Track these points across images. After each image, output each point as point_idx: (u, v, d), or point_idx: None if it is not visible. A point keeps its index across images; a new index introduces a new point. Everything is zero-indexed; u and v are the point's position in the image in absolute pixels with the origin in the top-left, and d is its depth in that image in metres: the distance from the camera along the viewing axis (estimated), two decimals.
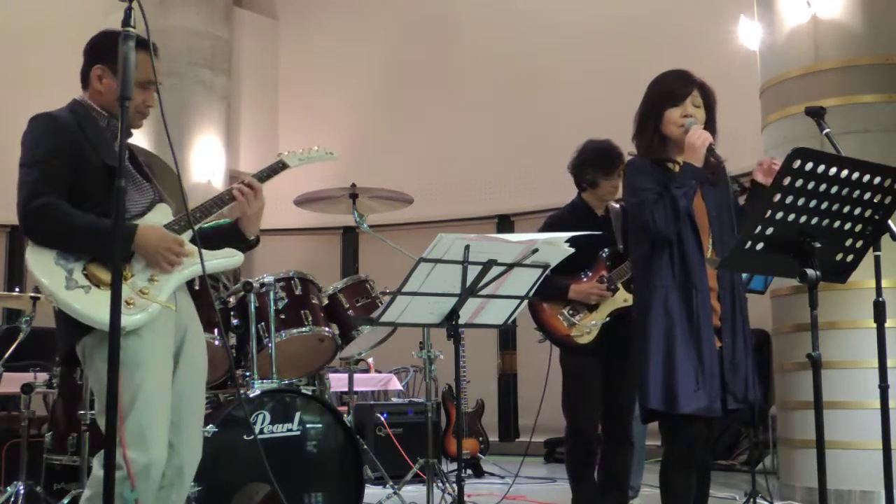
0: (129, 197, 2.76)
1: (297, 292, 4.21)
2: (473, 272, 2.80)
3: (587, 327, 3.99)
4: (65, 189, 2.69)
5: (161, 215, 2.87)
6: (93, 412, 3.83)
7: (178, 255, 2.74)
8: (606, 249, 4.05)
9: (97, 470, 2.65)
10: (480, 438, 7.32)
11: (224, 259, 2.90)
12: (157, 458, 2.61)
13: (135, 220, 2.77)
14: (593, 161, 4.12)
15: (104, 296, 2.59)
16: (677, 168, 3.18)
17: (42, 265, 2.64)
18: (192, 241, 2.83)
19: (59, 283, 2.61)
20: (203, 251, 2.78)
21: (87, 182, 2.72)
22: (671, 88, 3.20)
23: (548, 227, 4.17)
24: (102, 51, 2.82)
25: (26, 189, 2.67)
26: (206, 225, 2.96)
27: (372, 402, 7.20)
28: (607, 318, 3.99)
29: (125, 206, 2.67)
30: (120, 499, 2.53)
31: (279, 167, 3.21)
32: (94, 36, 2.90)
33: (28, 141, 2.76)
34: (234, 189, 2.98)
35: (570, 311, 4.03)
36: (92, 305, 2.60)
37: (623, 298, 3.93)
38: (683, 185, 3.05)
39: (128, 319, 2.58)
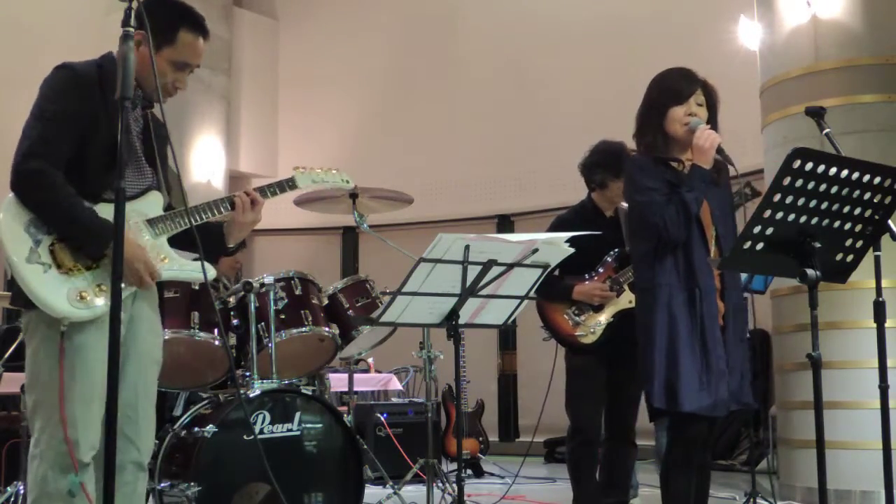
0: (127, 176, 2.62)
1: (297, 292, 4.21)
2: (473, 272, 2.80)
3: (592, 327, 4.01)
4: (65, 153, 2.60)
5: (151, 205, 2.78)
6: None
7: (143, 279, 2.64)
8: (615, 251, 4.05)
9: (38, 469, 2.57)
10: (480, 438, 7.33)
11: (192, 272, 2.78)
12: (88, 453, 2.57)
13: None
14: (603, 162, 4.12)
15: (60, 279, 2.56)
16: (680, 167, 3.17)
17: (12, 226, 2.56)
18: (179, 243, 2.78)
19: (22, 253, 2.54)
20: (181, 259, 2.74)
21: (91, 156, 2.64)
22: (675, 86, 3.18)
23: (555, 227, 4.18)
24: (153, 19, 2.55)
25: (26, 144, 2.59)
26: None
27: (372, 402, 7.20)
28: (612, 319, 4.00)
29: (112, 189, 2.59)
30: (63, 490, 2.52)
31: (288, 186, 3.08)
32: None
33: (45, 91, 2.66)
34: (236, 197, 2.90)
35: (576, 311, 4.04)
36: (45, 286, 2.54)
37: (628, 300, 3.93)
38: (693, 188, 3.04)
39: (75, 312, 2.55)
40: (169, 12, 2.72)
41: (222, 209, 2.88)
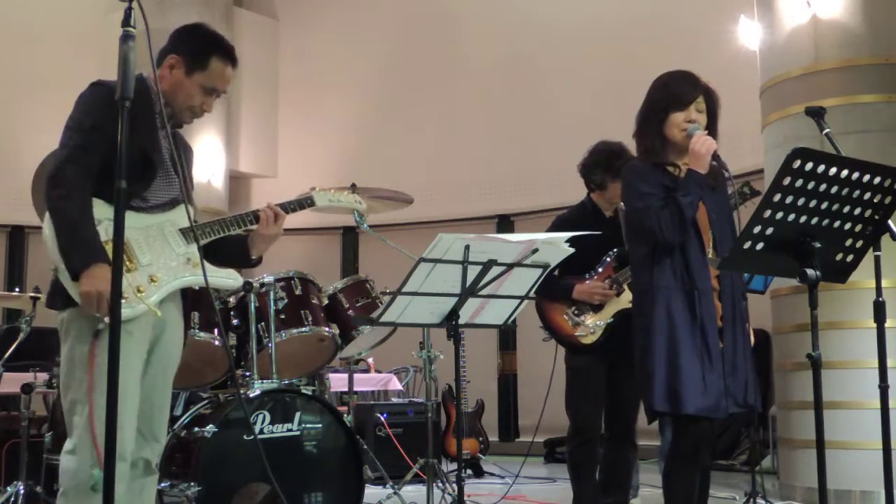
0: (155, 187, 2.81)
1: (297, 292, 4.21)
2: (473, 272, 2.80)
3: (591, 327, 4.00)
4: (98, 163, 2.69)
5: (181, 216, 2.88)
6: None
7: (98, 308, 2.64)
8: (614, 250, 4.05)
9: (68, 463, 2.65)
10: (480, 438, 7.33)
11: (224, 279, 2.92)
12: (121, 449, 2.60)
13: (154, 210, 2.81)
14: (603, 162, 4.12)
15: None
16: (677, 171, 3.18)
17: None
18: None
19: None
20: (211, 266, 2.83)
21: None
22: (678, 92, 3.18)
23: (555, 227, 4.17)
24: (188, 45, 2.88)
25: (66, 151, 2.71)
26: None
27: (372, 402, 7.20)
28: (612, 319, 3.99)
29: (147, 197, 2.77)
30: (88, 485, 2.57)
31: (307, 203, 3.25)
32: (192, 25, 2.96)
33: (82, 106, 2.77)
34: (261, 211, 3.03)
35: (576, 311, 4.04)
36: None
37: (628, 300, 3.92)
38: (689, 193, 3.05)
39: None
40: (203, 40, 2.90)
41: (247, 222, 3.01)
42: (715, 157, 3.06)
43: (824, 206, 2.51)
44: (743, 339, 3.13)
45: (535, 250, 2.85)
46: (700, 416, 3.03)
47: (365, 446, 4.86)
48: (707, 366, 3.02)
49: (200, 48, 2.87)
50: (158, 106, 2.85)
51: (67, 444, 2.69)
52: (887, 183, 2.55)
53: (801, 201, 2.48)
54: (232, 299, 4.20)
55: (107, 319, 2.59)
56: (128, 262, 2.70)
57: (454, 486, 4.32)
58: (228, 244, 3.04)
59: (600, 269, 4.06)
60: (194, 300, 3.96)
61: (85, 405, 2.64)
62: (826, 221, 2.54)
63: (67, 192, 2.66)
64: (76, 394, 2.67)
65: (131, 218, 2.67)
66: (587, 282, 4.03)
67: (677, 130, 3.15)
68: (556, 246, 2.90)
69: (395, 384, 7.41)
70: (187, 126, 3.01)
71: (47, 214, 2.70)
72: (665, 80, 3.26)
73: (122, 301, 2.60)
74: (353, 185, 4.82)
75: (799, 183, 2.45)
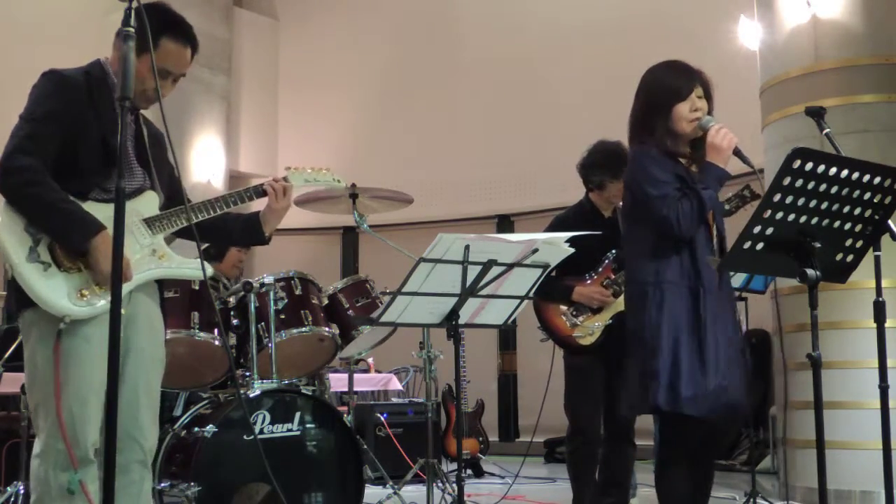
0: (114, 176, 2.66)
1: (297, 292, 4.21)
2: (473, 272, 2.80)
3: (590, 328, 4.00)
4: (52, 154, 2.63)
5: (147, 205, 2.81)
6: None
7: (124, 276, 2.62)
8: (613, 252, 4.04)
9: (37, 469, 2.59)
10: (480, 438, 7.33)
11: (190, 269, 2.84)
12: (87, 451, 2.59)
13: (114, 201, 2.72)
14: (602, 162, 4.11)
15: (60, 278, 2.59)
16: (689, 164, 3.12)
17: (11, 228, 2.60)
18: (183, 237, 2.82)
19: (22, 253, 2.58)
20: (180, 257, 2.78)
21: (81, 156, 2.66)
22: (675, 84, 3.09)
23: (554, 227, 4.17)
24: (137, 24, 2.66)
25: (14, 142, 2.62)
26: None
27: (372, 402, 7.20)
28: (610, 321, 3.99)
29: (109, 187, 2.65)
30: (62, 488, 2.54)
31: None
32: (148, 4, 2.58)
33: (33, 95, 2.71)
34: (266, 186, 3.03)
35: (574, 312, 4.04)
36: (45, 284, 2.57)
37: None
38: (709, 186, 3.00)
39: (75, 309, 2.57)
40: (153, 19, 2.61)
41: (245, 198, 2.99)
42: (736, 151, 3.03)
43: (824, 206, 2.51)
44: (737, 339, 3.12)
45: (536, 250, 2.85)
46: (701, 417, 3.02)
47: (365, 446, 4.86)
48: (707, 365, 3.01)
49: (150, 27, 2.52)
50: (117, 91, 2.67)
51: (35, 447, 2.64)
52: (887, 183, 2.55)
53: (801, 201, 2.48)
54: (232, 299, 4.19)
55: (67, 319, 2.56)
56: (83, 262, 2.61)
57: (454, 486, 4.31)
58: (242, 223, 3.03)
59: (599, 270, 4.06)
60: (194, 300, 3.97)
61: (50, 408, 2.57)
62: (826, 221, 2.54)
63: (30, 177, 2.58)
64: (40, 396, 2.62)
65: (93, 209, 2.62)
66: (587, 284, 4.03)
67: (685, 123, 3.07)
68: (557, 246, 2.89)
69: (395, 384, 7.41)
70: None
71: (2, 212, 2.61)
72: (659, 76, 3.16)
73: (83, 299, 2.58)
74: (354, 185, 4.84)
75: (799, 183, 2.45)
